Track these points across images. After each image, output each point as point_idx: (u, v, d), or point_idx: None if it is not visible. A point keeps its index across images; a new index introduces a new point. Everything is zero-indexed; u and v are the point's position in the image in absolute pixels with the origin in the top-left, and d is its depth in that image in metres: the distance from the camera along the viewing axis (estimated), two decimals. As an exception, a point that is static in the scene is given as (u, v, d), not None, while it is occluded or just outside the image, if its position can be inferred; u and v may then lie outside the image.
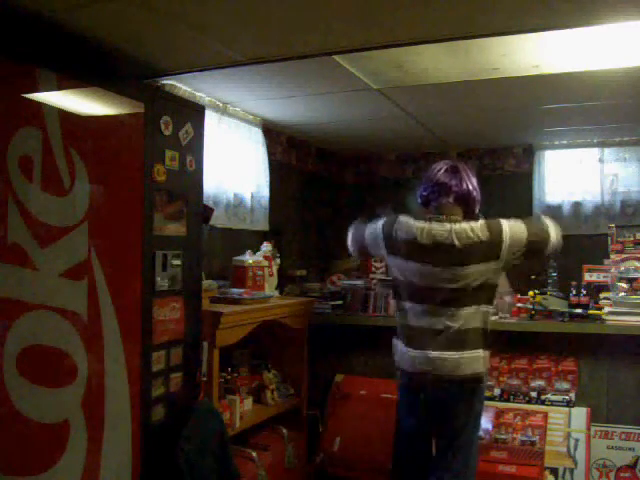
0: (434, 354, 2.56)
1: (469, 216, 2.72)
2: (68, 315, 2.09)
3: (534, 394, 3.60)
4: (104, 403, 2.20)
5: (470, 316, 2.57)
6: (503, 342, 3.61)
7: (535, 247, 2.61)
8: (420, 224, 2.62)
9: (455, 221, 2.60)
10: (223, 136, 3.49)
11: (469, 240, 2.55)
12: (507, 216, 2.64)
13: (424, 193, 2.72)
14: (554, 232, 2.64)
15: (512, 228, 2.58)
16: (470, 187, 2.67)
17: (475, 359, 2.57)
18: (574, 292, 3.60)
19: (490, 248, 2.56)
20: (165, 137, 2.42)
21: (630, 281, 3.53)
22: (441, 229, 2.57)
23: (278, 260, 3.83)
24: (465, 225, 2.58)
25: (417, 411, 2.67)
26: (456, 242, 2.54)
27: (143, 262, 2.32)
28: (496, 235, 2.56)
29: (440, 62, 2.68)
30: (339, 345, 4.03)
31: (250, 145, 3.77)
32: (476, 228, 2.56)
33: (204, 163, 2.65)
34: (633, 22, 2.15)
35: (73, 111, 2.14)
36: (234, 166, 3.59)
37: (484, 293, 2.60)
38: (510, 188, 4.59)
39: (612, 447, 3.41)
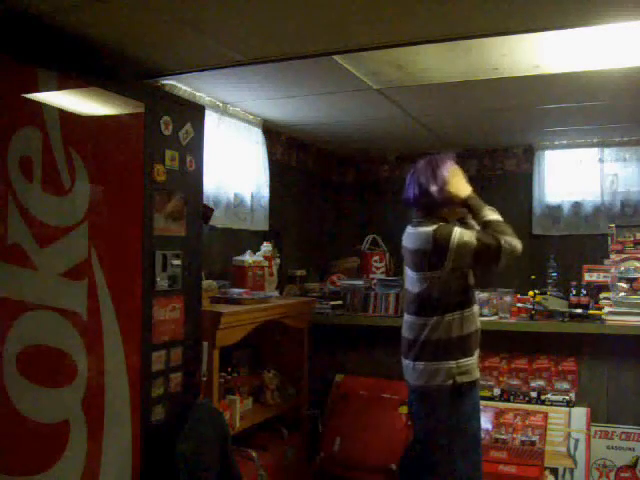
0: None
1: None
2: (68, 315, 2.09)
3: (534, 394, 3.60)
4: (104, 403, 2.20)
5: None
6: (503, 342, 3.62)
7: (483, 258, 2.51)
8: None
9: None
10: (223, 136, 3.49)
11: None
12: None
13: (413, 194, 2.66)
14: (508, 242, 2.47)
15: (462, 236, 2.48)
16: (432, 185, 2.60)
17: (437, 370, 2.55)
18: (574, 292, 3.59)
19: (436, 254, 2.51)
20: (165, 137, 2.42)
21: (630, 281, 3.52)
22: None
23: (278, 260, 3.83)
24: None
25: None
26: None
27: (143, 262, 2.32)
28: (443, 242, 2.49)
29: (440, 62, 2.68)
30: (339, 345, 4.03)
31: (250, 145, 3.77)
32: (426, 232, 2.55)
33: (204, 163, 2.65)
34: (633, 22, 2.15)
35: (73, 111, 2.14)
36: (234, 166, 3.59)
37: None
38: (510, 188, 4.59)
39: (612, 447, 3.41)
